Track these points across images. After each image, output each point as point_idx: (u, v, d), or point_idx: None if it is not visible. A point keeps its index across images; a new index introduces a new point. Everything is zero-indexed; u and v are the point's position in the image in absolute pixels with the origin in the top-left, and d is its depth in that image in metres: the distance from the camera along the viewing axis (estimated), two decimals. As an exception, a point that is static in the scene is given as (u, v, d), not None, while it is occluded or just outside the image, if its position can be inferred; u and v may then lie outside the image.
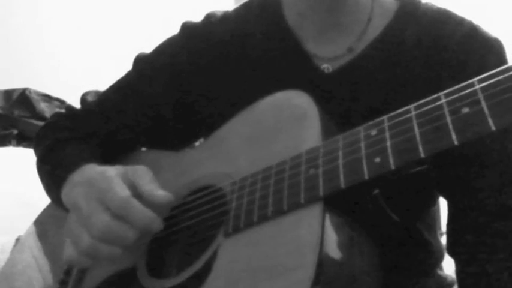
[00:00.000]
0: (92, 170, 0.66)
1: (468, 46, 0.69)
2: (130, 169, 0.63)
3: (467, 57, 0.69)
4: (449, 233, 0.71)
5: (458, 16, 0.73)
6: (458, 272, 0.69)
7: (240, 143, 0.67)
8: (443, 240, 0.80)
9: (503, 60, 0.70)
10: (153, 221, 0.59)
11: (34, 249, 0.83)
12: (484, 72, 0.66)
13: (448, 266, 0.83)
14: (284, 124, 0.63)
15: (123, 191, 0.58)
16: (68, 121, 0.89)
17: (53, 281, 0.77)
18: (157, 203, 0.60)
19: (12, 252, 0.89)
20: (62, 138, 0.84)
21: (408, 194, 0.66)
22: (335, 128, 0.60)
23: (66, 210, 0.72)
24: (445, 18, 0.72)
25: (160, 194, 0.60)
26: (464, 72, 0.68)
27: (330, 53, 0.74)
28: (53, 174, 0.77)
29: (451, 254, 0.71)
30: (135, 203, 0.58)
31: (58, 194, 0.71)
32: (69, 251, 0.62)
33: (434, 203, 0.79)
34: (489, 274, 0.64)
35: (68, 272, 0.75)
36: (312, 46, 0.75)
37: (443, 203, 0.80)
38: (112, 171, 0.62)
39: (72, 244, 0.61)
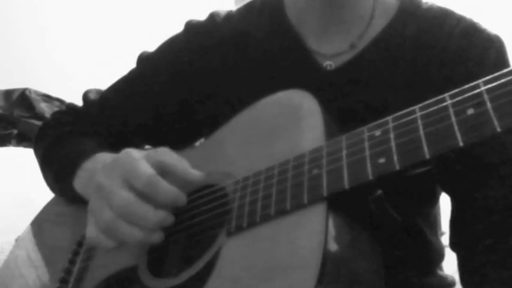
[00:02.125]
0: (112, 154, 0.66)
1: (467, 43, 0.70)
2: (153, 150, 0.63)
3: (467, 54, 0.69)
4: (452, 227, 0.71)
5: (458, 14, 0.73)
6: (460, 267, 0.70)
7: (242, 142, 0.67)
8: (444, 239, 0.81)
9: (504, 57, 0.70)
10: (178, 197, 0.60)
11: (30, 250, 0.83)
12: (484, 69, 0.67)
13: (449, 266, 0.83)
14: (286, 124, 0.63)
15: (148, 169, 0.59)
16: (70, 119, 0.89)
17: (49, 281, 0.76)
18: (192, 181, 0.61)
19: (9, 253, 0.89)
20: (66, 132, 0.85)
21: (410, 193, 0.66)
22: (338, 128, 0.60)
23: (76, 200, 0.72)
24: (444, 16, 0.73)
25: (195, 172, 0.62)
26: (464, 69, 0.68)
27: (332, 50, 0.74)
28: (63, 165, 0.77)
29: (453, 249, 0.71)
30: (160, 180, 0.59)
31: (71, 183, 0.70)
32: (90, 229, 0.62)
33: (436, 201, 0.79)
34: (488, 271, 0.64)
35: (68, 271, 0.75)
36: (315, 43, 0.75)
37: (443, 203, 0.81)
38: (136, 153, 0.62)
39: (94, 221, 0.61)
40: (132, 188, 0.58)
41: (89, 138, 0.83)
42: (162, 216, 0.59)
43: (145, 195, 0.58)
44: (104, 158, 0.70)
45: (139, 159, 0.60)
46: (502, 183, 0.66)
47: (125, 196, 0.58)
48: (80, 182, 0.72)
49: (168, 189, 0.59)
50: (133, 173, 0.59)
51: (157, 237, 0.59)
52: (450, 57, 0.69)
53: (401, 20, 0.73)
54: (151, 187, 0.58)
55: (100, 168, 0.63)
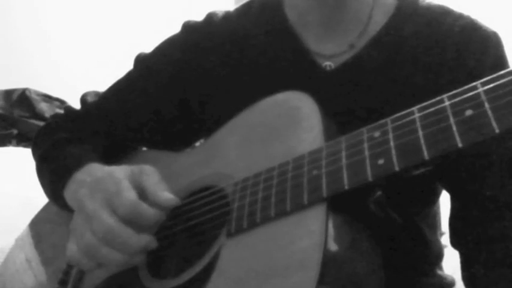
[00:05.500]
0: (99, 170, 0.66)
1: (466, 41, 0.70)
2: (137, 169, 0.63)
3: (466, 52, 0.69)
4: (452, 226, 0.72)
5: (457, 12, 0.73)
6: (462, 265, 0.70)
7: (241, 144, 0.67)
8: (444, 240, 0.81)
9: (502, 54, 0.70)
10: (161, 221, 0.60)
11: (28, 251, 0.83)
12: (484, 67, 0.67)
13: (448, 266, 0.83)
14: (285, 125, 0.63)
15: (131, 195, 0.58)
16: (68, 122, 0.88)
17: (47, 282, 0.76)
18: (163, 205, 0.60)
19: (8, 253, 0.89)
20: (63, 138, 0.84)
21: (410, 193, 0.66)
22: (337, 129, 0.60)
23: (67, 209, 0.72)
24: (443, 14, 0.73)
25: (166, 197, 0.60)
26: (463, 67, 0.68)
27: (331, 50, 0.74)
28: (56, 173, 0.76)
29: (455, 247, 0.72)
30: (142, 205, 0.58)
31: (61, 193, 0.70)
32: (71, 248, 0.61)
33: (436, 200, 0.79)
34: (491, 269, 0.65)
35: (67, 272, 0.75)
36: (314, 44, 0.75)
37: (443, 203, 0.81)
38: (120, 173, 0.61)
39: (75, 241, 0.61)
40: (114, 211, 0.58)
41: (84, 144, 0.82)
42: (145, 241, 0.58)
43: (127, 219, 0.58)
44: (94, 169, 0.69)
45: (123, 181, 0.60)
46: (502, 186, 0.66)
47: (107, 221, 0.57)
48: (70, 193, 0.71)
49: (150, 214, 0.58)
50: (117, 198, 0.58)
51: (139, 259, 0.59)
52: (450, 55, 0.69)
53: (400, 19, 0.73)
54: (134, 214, 0.58)
55: (83, 187, 0.62)
